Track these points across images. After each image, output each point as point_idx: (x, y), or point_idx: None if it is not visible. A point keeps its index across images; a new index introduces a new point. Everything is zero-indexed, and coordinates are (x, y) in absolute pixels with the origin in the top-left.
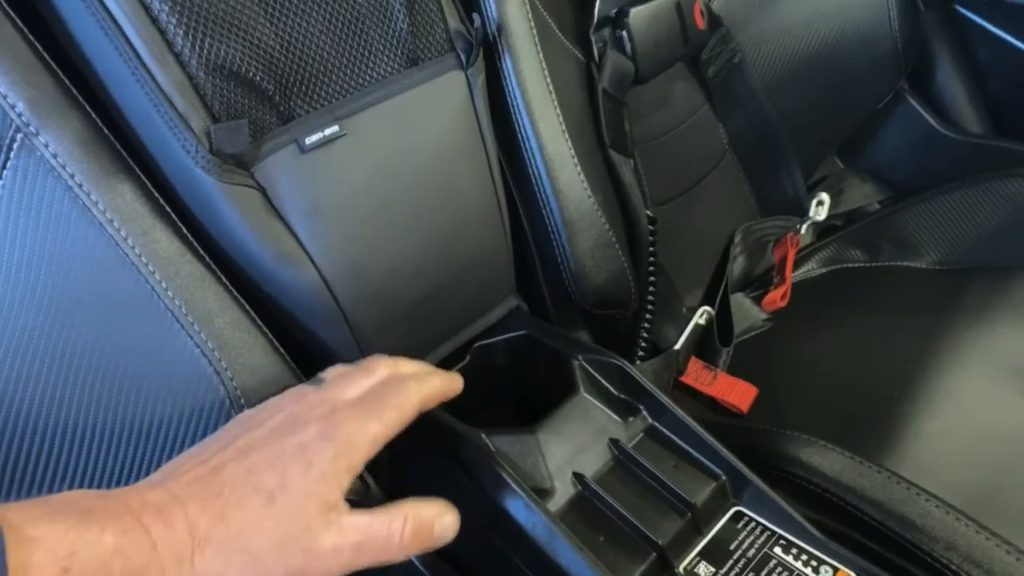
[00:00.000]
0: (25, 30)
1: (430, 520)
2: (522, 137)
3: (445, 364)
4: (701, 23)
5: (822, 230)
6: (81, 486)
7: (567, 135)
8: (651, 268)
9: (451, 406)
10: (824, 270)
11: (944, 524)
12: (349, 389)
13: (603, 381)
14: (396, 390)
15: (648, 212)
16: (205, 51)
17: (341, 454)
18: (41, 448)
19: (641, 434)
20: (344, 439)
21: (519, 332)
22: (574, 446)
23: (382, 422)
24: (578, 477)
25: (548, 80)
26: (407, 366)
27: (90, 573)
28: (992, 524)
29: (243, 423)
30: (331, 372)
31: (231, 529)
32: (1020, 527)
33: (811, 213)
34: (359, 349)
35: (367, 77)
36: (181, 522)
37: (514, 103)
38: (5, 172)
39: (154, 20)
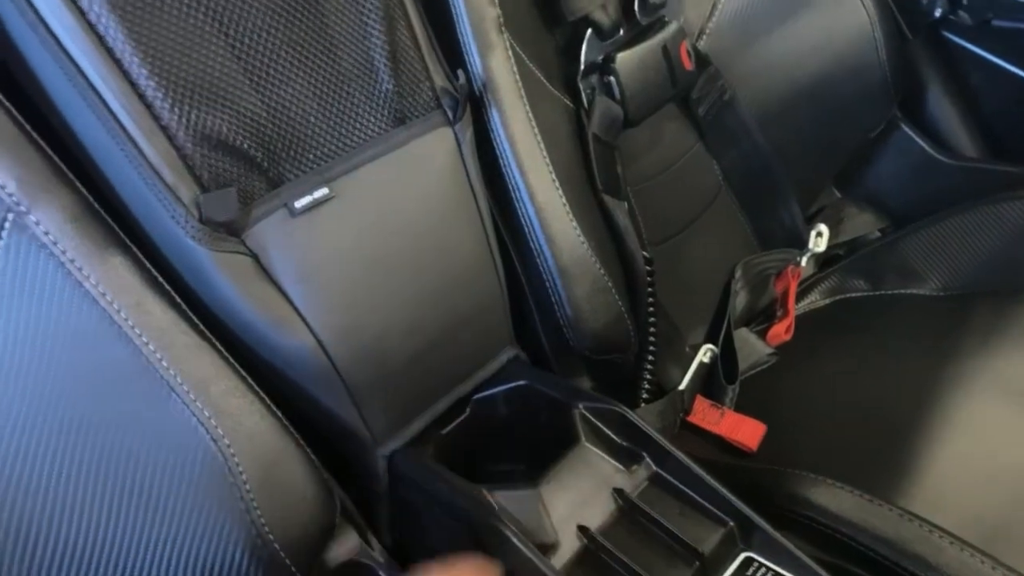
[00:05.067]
0: (12, 109)
1: None
2: (512, 188)
3: (446, 418)
4: (688, 64)
5: (824, 260)
6: (82, 559)
7: (557, 183)
8: (651, 309)
9: (453, 460)
10: (828, 301)
11: (958, 561)
12: None
13: (604, 429)
14: None
15: (645, 253)
16: (192, 123)
17: None
18: (41, 523)
19: (646, 482)
20: None
21: (518, 382)
22: (578, 498)
23: None
24: (583, 530)
25: (535, 130)
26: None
27: None
28: (1007, 557)
29: None
30: None
31: None
32: None
33: (811, 244)
34: (356, 409)
35: (355, 138)
36: None
37: (503, 155)
38: None
39: (140, 95)
